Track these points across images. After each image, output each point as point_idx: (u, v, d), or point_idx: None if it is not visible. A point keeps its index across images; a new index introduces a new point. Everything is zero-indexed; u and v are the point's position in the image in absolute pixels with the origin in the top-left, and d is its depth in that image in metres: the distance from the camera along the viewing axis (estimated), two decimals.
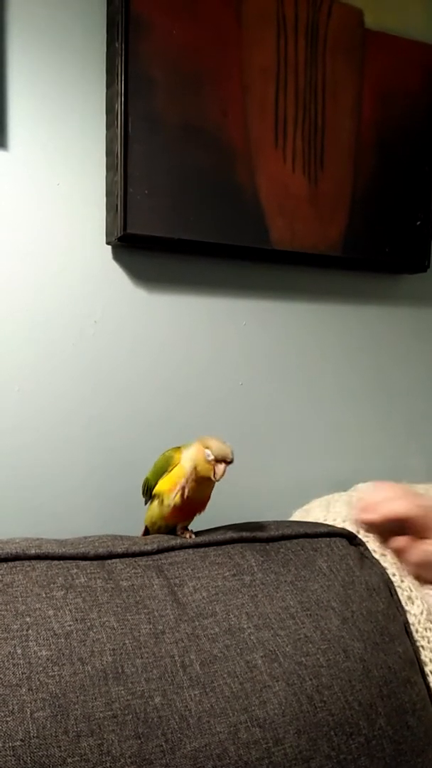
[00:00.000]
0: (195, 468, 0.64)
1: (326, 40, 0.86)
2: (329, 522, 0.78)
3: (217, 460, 0.63)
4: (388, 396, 1.01)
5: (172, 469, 0.66)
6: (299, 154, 0.85)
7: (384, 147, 0.91)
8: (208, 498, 0.67)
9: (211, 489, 0.66)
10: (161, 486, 0.66)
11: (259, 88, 0.82)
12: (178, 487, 0.64)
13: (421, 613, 0.71)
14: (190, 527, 0.68)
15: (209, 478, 0.63)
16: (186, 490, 0.64)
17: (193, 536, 0.66)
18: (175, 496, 0.64)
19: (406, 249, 0.94)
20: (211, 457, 0.63)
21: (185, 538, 0.66)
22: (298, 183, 0.85)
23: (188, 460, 0.64)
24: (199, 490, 0.65)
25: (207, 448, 0.63)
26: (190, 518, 0.68)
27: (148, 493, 0.68)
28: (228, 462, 0.63)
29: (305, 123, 0.85)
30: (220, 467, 0.63)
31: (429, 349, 1.04)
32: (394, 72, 0.92)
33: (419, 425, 1.04)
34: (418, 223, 0.95)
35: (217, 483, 0.65)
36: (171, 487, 0.65)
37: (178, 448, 0.67)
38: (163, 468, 0.66)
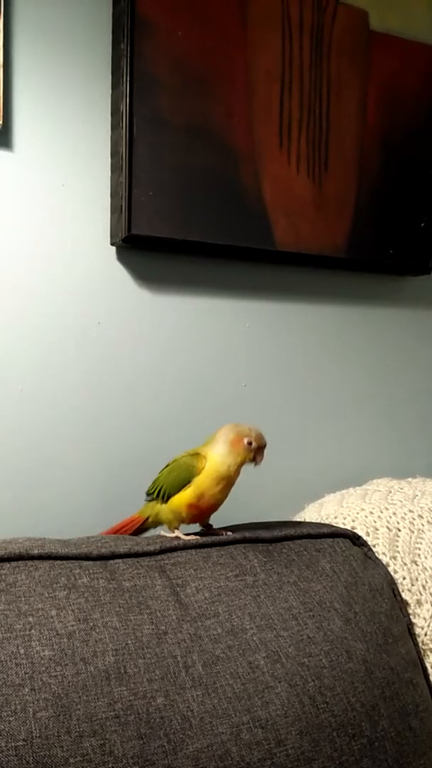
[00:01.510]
0: (236, 461, 0.64)
1: (331, 42, 0.86)
2: (341, 517, 0.78)
3: (259, 446, 0.65)
4: (393, 396, 1.01)
5: (197, 478, 0.65)
6: (304, 156, 0.85)
7: (388, 149, 0.91)
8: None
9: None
10: (187, 496, 0.65)
11: (264, 89, 0.82)
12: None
13: (431, 616, 0.71)
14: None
15: (239, 471, 0.65)
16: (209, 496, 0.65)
17: (228, 532, 0.67)
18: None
19: (410, 251, 0.94)
20: (254, 445, 0.64)
21: (219, 534, 0.67)
22: (303, 185, 0.85)
23: (226, 455, 0.64)
24: (227, 491, 0.66)
25: (246, 437, 0.64)
26: (209, 518, 0.69)
27: (165, 499, 0.67)
28: (265, 445, 0.66)
29: (310, 125, 0.85)
30: (261, 454, 0.66)
31: None
32: (399, 74, 0.92)
33: (424, 424, 1.04)
34: (423, 225, 0.95)
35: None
36: (196, 500, 0.65)
37: (196, 453, 0.66)
38: (184, 479, 0.66)
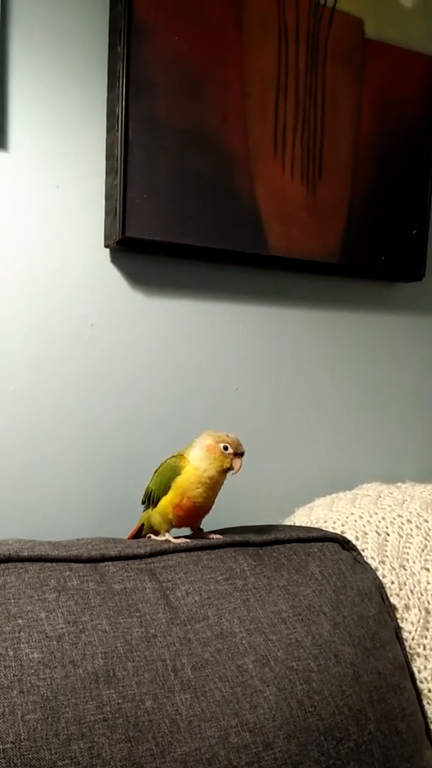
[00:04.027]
0: (212, 466, 0.64)
1: (326, 49, 0.87)
2: (331, 521, 0.78)
3: (236, 454, 0.64)
4: (384, 401, 1.01)
5: (178, 479, 0.65)
6: (298, 162, 0.86)
7: (382, 156, 0.92)
8: (215, 498, 0.67)
9: (219, 490, 0.67)
10: (170, 498, 0.65)
11: (259, 94, 0.82)
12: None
13: (418, 621, 0.71)
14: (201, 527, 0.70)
15: (221, 476, 0.64)
16: (195, 499, 0.65)
17: (217, 536, 0.67)
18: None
19: (402, 257, 0.95)
20: (230, 451, 0.64)
21: (208, 538, 0.66)
22: (297, 190, 0.86)
23: (202, 460, 0.64)
24: (208, 494, 0.65)
25: (223, 442, 0.64)
26: (198, 521, 0.69)
27: (154, 503, 0.68)
28: (241, 454, 0.65)
29: (304, 131, 0.86)
30: (238, 461, 0.64)
31: (424, 356, 1.05)
32: (394, 82, 0.93)
33: (414, 429, 1.04)
34: (415, 231, 0.96)
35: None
36: (179, 501, 0.65)
37: (180, 454, 0.66)
38: (170, 479, 0.66)
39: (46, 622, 0.52)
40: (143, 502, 0.71)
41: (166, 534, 0.67)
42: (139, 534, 0.71)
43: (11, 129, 0.73)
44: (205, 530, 0.70)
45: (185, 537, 0.67)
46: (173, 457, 0.67)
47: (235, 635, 0.57)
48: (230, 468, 0.64)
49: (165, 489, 0.66)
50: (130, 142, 0.74)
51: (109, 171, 0.76)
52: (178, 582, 0.60)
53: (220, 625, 0.58)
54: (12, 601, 0.53)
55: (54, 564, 0.58)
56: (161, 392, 0.83)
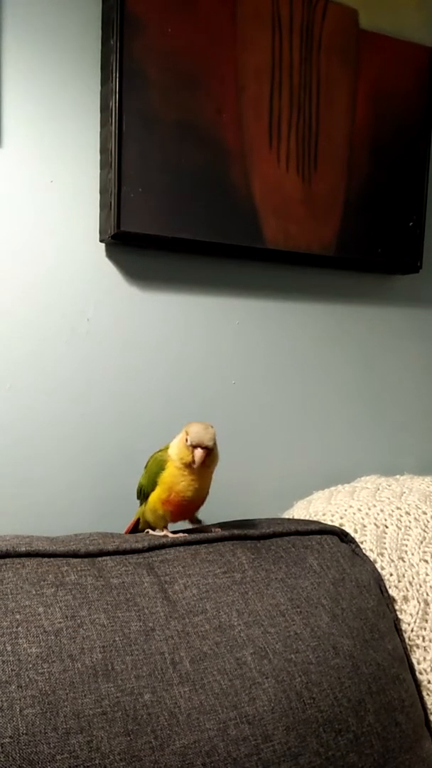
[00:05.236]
0: (182, 459, 0.62)
1: (321, 40, 0.86)
2: (329, 514, 0.78)
3: (194, 446, 0.61)
4: (381, 393, 1.01)
5: (163, 474, 0.64)
6: (293, 154, 0.85)
7: (377, 148, 0.92)
8: (207, 489, 0.66)
9: (209, 480, 0.65)
10: (158, 494, 0.65)
11: (254, 87, 0.82)
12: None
13: (417, 612, 0.71)
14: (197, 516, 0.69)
15: (194, 469, 0.62)
16: (181, 493, 0.63)
17: (216, 528, 0.66)
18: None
19: (398, 250, 0.95)
20: (189, 443, 0.61)
21: (208, 530, 0.65)
22: (292, 183, 0.85)
23: (177, 453, 0.63)
24: (194, 486, 0.63)
25: (187, 434, 0.62)
26: (193, 514, 0.68)
27: (146, 498, 0.68)
28: (204, 447, 0.61)
29: (299, 123, 0.86)
30: (198, 452, 0.61)
31: (420, 348, 1.05)
32: (389, 73, 0.92)
33: (411, 421, 1.04)
34: (411, 224, 0.95)
35: (215, 477, 0.65)
36: (167, 497, 0.64)
37: (165, 448, 0.66)
38: (156, 474, 0.65)
39: (44, 617, 0.52)
40: (138, 498, 0.70)
41: (164, 530, 0.66)
42: (135, 528, 0.71)
43: (4, 124, 0.72)
44: (204, 523, 0.70)
45: (183, 531, 0.67)
46: (160, 451, 0.66)
47: (234, 628, 0.57)
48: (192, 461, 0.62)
49: (152, 485, 0.65)
50: (125, 136, 0.74)
51: (104, 165, 0.76)
52: (176, 576, 0.60)
53: (219, 618, 0.58)
54: (10, 596, 0.53)
55: (52, 559, 0.58)
56: (158, 387, 0.83)
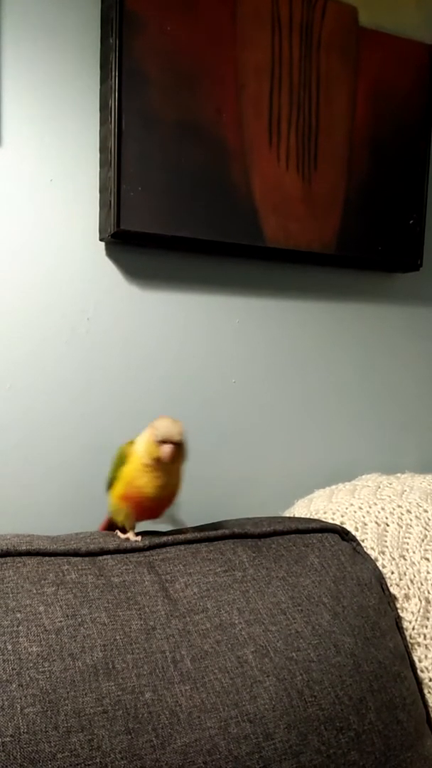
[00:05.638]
0: (149, 455, 0.60)
1: (320, 39, 0.86)
2: (330, 512, 0.78)
3: (163, 441, 0.59)
4: (381, 392, 1.01)
5: (124, 468, 0.62)
6: (293, 153, 0.85)
7: (378, 145, 0.92)
8: (177, 487, 0.63)
9: (178, 477, 0.63)
10: (117, 489, 0.62)
11: (254, 86, 0.82)
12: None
13: (419, 610, 0.71)
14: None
15: (162, 465, 0.60)
16: (144, 490, 0.61)
17: (138, 539, 0.62)
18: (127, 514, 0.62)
19: (398, 248, 0.95)
20: (157, 438, 0.59)
21: (136, 541, 0.62)
22: (292, 181, 0.85)
23: (144, 449, 0.61)
24: (156, 483, 0.61)
25: (154, 431, 0.60)
26: (160, 513, 0.65)
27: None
28: (174, 442, 0.59)
29: (299, 121, 0.85)
30: (165, 448, 0.59)
31: (421, 346, 1.04)
32: (389, 70, 0.92)
33: (412, 419, 1.04)
34: (411, 222, 0.95)
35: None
36: (126, 491, 0.61)
37: (131, 441, 0.63)
38: (117, 467, 0.63)
39: (44, 616, 0.52)
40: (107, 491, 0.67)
41: (129, 532, 0.63)
42: (110, 527, 0.68)
43: (4, 123, 0.72)
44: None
45: (145, 533, 0.64)
46: (126, 443, 0.64)
47: (235, 626, 0.57)
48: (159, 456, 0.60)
49: (114, 478, 0.63)
50: (124, 135, 0.74)
51: (103, 164, 0.76)
52: (176, 574, 0.60)
53: (220, 616, 0.58)
54: (10, 595, 0.53)
55: (52, 558, 0.58)
56: (159, 385, 0.83)
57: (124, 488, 0.62)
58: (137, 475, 0.61)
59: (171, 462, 0.60)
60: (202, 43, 0.78)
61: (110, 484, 0.65)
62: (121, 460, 0.63)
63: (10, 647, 0.50)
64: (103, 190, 0.76)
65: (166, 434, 0.59)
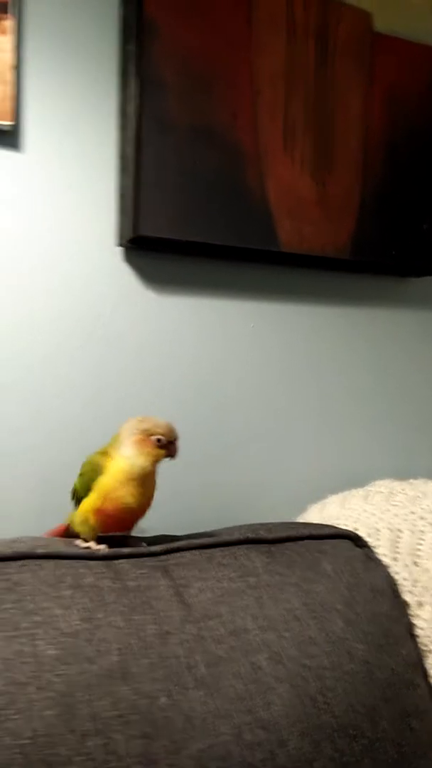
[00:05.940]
0: (147, 461, 0.59)
1: (336, 44, 0.86)
2: (343, 518, 0.78)
3: (170, 441, 0.60)
4: (396, 396, 1.01)
5: (101, 479, 0.60)
6: (308, 158, 0.85)
7: (392, 150, 0.92)
8: (152, 499, 0.62)
9: (153, 488, 0.62)
10: (90, 502, 0.60)
11: (269, 91, 0.82)
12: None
13: (431, 617, 0.71)
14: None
15: (151, 477, 0.60)
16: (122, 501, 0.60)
17: (102, 548, 0.60)
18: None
19: (413, 252, 0.94)
20: (164, 440, 0.60)
21: (97, 550, 0.60)
22: (307, 186, 0.85)
23: (133, 456, 0.60)
24: (138, 492, 0.60)
25: (153, 435, 0.59)
26: (133, 525, 0.63)
27: (77, 503, 0.64)
28: (177, 439, 0.60)
29: (314, 125, 0.86)
30: (176, 446, 0.61)
31: None
32: (403, 76, 0.92)
33: (426, 425, 1.04)
34: (425, 226, 0.95)
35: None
36: (100, 505, 0.60)
37: (104, 451, 0.62)
38: (91, 480, 0.61)
39: (61, 619, 0.53)
40: (72, 500, 0.66)
41: (91, 542, 0.61)
42: (67, 534, 0.66)
43: (25, 130, 0.73)
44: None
45: (110, 542, 0.62)
46: (98, 454, 0.62)
47: (249, 632, 0.57)
48: (168, 457, 0.60)
49: (86, 490, 0.61)
50: (142, 141, 0.74)
51: (122, 170, 0.77)
52: (191, 579, 0.60)
53: (234, 622, 0.58)
54: (28, 597, 0.54)
55: (69, 561, 0.58)
56: (173, 390, 0.83)
57: (100, 501, 0.60)
58: (117, 486, 0.60)
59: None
60: (217, 48, 0.78)
61: (79, 496, 0.63)
62: (95, 472, 0.61)
63: (27, 650, 0.50)
64: (121, 196, 0.77)
65: (169, 433, 0.60)
